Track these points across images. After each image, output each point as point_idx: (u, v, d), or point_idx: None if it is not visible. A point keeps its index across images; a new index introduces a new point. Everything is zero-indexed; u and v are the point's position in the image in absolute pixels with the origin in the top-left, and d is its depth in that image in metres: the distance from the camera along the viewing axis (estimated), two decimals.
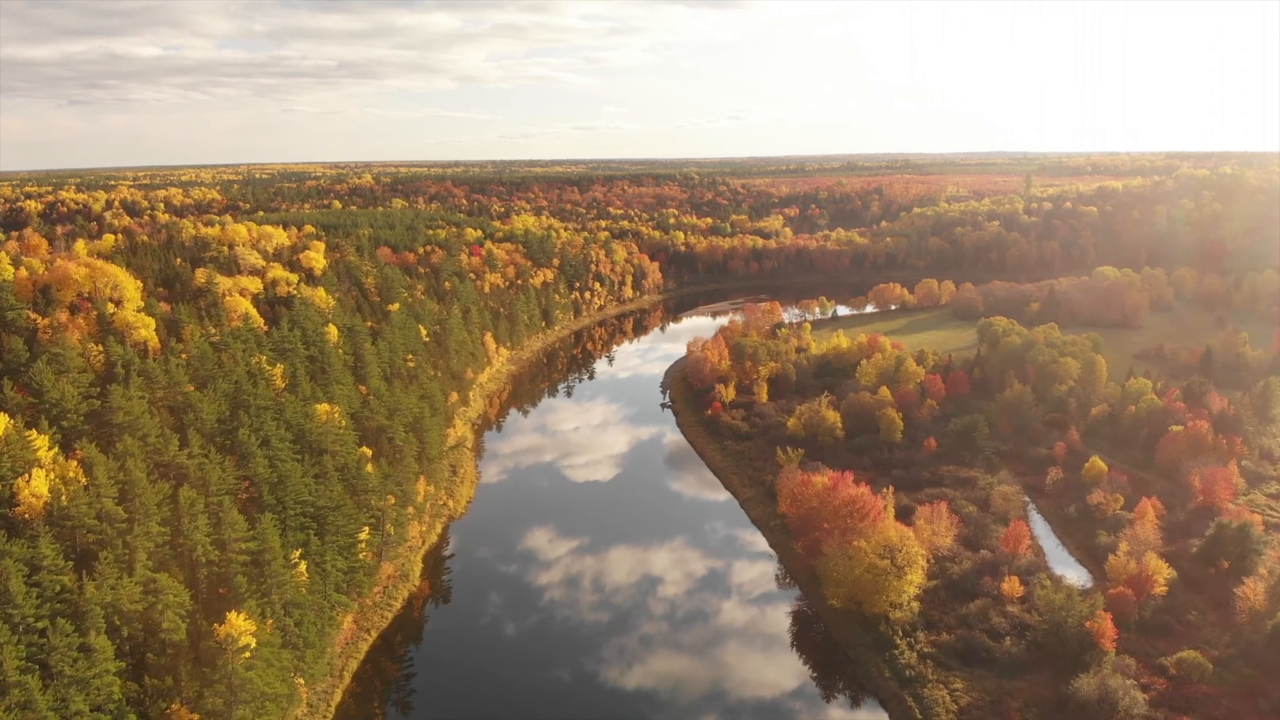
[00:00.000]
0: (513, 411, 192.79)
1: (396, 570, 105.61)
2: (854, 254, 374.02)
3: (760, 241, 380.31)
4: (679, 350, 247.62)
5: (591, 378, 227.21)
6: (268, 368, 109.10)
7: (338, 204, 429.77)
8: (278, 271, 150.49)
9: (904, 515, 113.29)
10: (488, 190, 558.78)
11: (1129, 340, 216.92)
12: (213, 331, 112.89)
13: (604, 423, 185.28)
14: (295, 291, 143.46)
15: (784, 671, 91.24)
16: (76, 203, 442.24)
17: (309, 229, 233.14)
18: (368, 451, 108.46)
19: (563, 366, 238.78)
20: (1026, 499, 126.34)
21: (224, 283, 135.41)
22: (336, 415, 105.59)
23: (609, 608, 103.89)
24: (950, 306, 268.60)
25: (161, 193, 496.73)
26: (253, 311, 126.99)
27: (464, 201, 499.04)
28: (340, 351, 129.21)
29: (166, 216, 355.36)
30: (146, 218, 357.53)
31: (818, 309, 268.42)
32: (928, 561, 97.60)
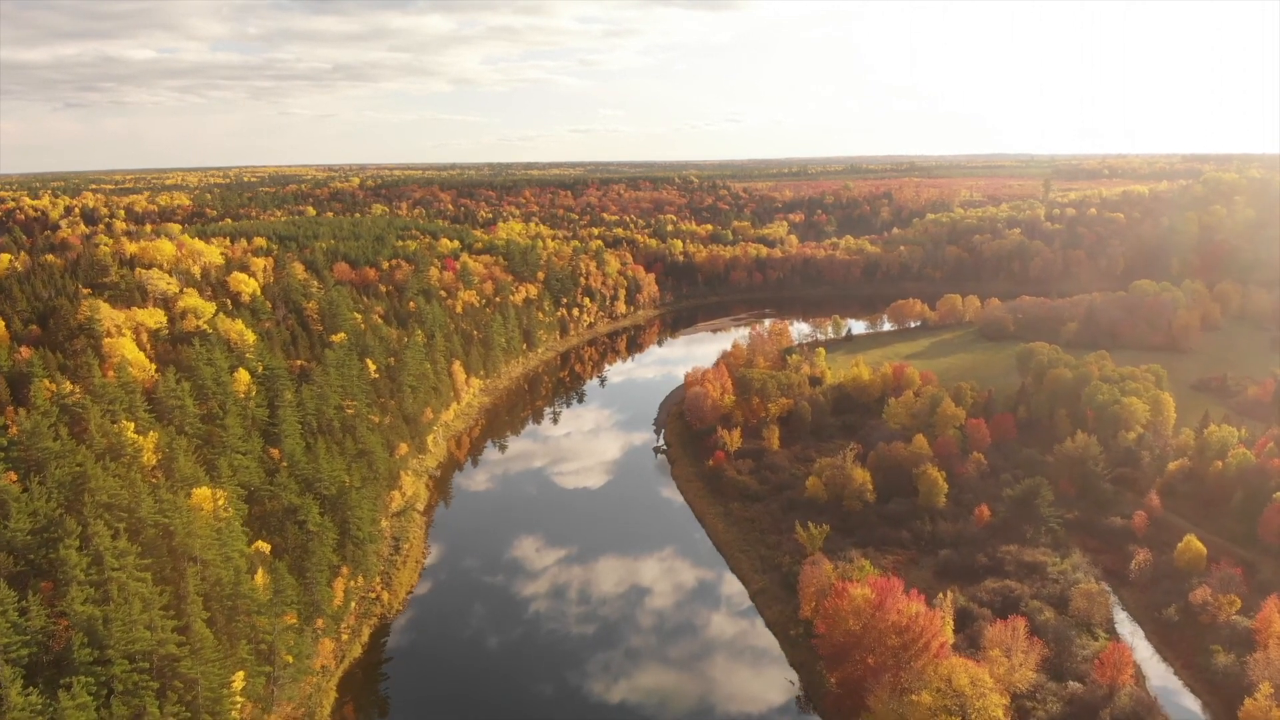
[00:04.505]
0: (486, 449, 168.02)
1: (298, 710, 79.98)
2: (865, 263, 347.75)
3: (764, 250, 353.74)
4: (674, 355, 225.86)
5: (581, 400, 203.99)
6: (135, 438, 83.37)
7: (312, 210, 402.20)
8: (191, 300, 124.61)
9: (963, 623, 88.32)
10: (476, 194, 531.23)
11: (1182, 367, 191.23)
12: (70, 389, 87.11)
13: (595, 428, 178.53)
14: (207, 326, 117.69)
15: (772, 685, 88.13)
16: (36, 210, 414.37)
17: (259, 241, 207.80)
18: (264, 548, 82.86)
19: (546, 393, 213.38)
20: (1108, 589, 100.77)
21: (113, 317, 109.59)
22: (220, 503, 79.96)
23: (595, 619, 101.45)
24: (977, 325, 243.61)
25: (127, 199, 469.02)
26: (137, 356, 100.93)
27: (450, 206, 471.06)
28: (251, 404, 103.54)
29: (125, 225, 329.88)
30: (102, 226, 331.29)
31: (830, 328, 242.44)
32: (1006, 711, 72.10)
